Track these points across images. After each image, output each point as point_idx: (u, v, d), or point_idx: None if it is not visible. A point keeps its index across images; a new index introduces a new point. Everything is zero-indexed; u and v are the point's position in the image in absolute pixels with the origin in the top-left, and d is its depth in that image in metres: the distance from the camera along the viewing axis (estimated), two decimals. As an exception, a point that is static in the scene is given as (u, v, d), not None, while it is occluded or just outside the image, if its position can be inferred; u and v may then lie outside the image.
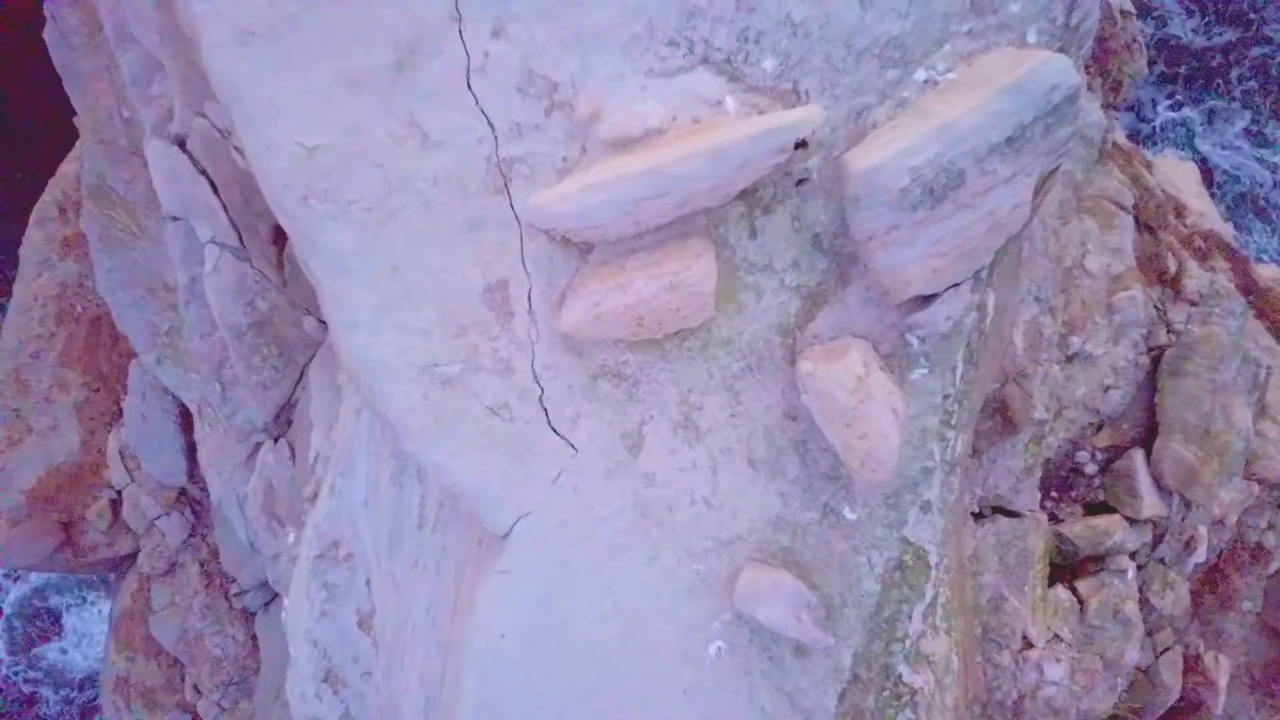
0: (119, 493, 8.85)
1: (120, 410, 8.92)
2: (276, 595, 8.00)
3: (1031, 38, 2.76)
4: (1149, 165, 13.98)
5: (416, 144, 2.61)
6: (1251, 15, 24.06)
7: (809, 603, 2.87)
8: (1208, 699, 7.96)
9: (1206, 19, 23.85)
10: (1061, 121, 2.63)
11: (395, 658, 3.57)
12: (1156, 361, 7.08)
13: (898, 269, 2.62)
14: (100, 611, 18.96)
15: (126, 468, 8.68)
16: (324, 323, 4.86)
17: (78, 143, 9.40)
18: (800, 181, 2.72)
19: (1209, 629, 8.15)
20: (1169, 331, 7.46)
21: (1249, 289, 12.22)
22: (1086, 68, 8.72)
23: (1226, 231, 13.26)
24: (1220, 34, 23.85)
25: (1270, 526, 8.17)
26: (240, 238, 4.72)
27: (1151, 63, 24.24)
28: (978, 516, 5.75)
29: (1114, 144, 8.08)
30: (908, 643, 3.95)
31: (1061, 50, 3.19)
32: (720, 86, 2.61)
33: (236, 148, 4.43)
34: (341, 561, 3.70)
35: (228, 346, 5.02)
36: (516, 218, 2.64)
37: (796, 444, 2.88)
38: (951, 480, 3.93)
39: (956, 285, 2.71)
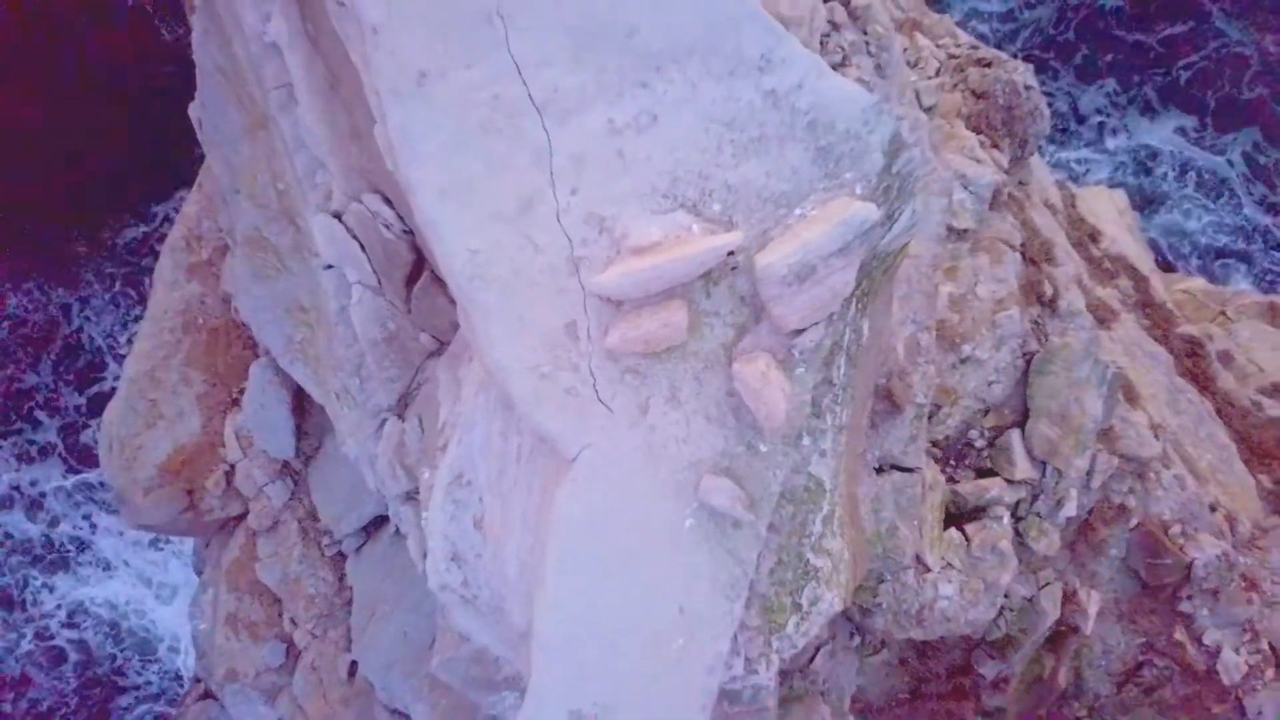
0: (232, 466, 11.19)
1: (233, 401, 11.27)
2: (368, 540, 10.36)
3: (858, 190, 5.07)
4: (1074, 197, 16.45)
5: (531, 250, 4.93)
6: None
7: (740, 496, 5.20)
8: (1080, 624, 10.32)
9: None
10: (870, 239, 4.96)
11: (500, 543, 5.90)
12: (1029, 363, 9.43)
13: (784, 315, 4.95)
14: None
15: (240, 446, 11.02)
16: (437, 339, 7.19)
17: (195, 185, 11.77)
18: (733, 268, 5.05)
19: (1083, 570, 10.50)
20: (1046, 338, 9.81)
21: (1146, 303, 14.66)
22: (996, 130, 11.08)
23: (1134, 253, 15.68)
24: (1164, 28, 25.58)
25: (1131, 491, 10.52)
26: (379, 281, 7.06)
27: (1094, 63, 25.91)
28: (880, 471, 8.04)
29: (1009, 194, 10.40)
30: (813, 539, 6.29)
31: (888, 188, 5.50)
32: (690, 219, 4.94)
33: (383, 224, 6.76)
34: (464, 486, 6.03)
35: (365, 353, 7.36)
36: (583, 289, 4.96)
37: (734, 409, 5.20)
38: (840, 438, 6.27)
39: (816, 323, 5.04)
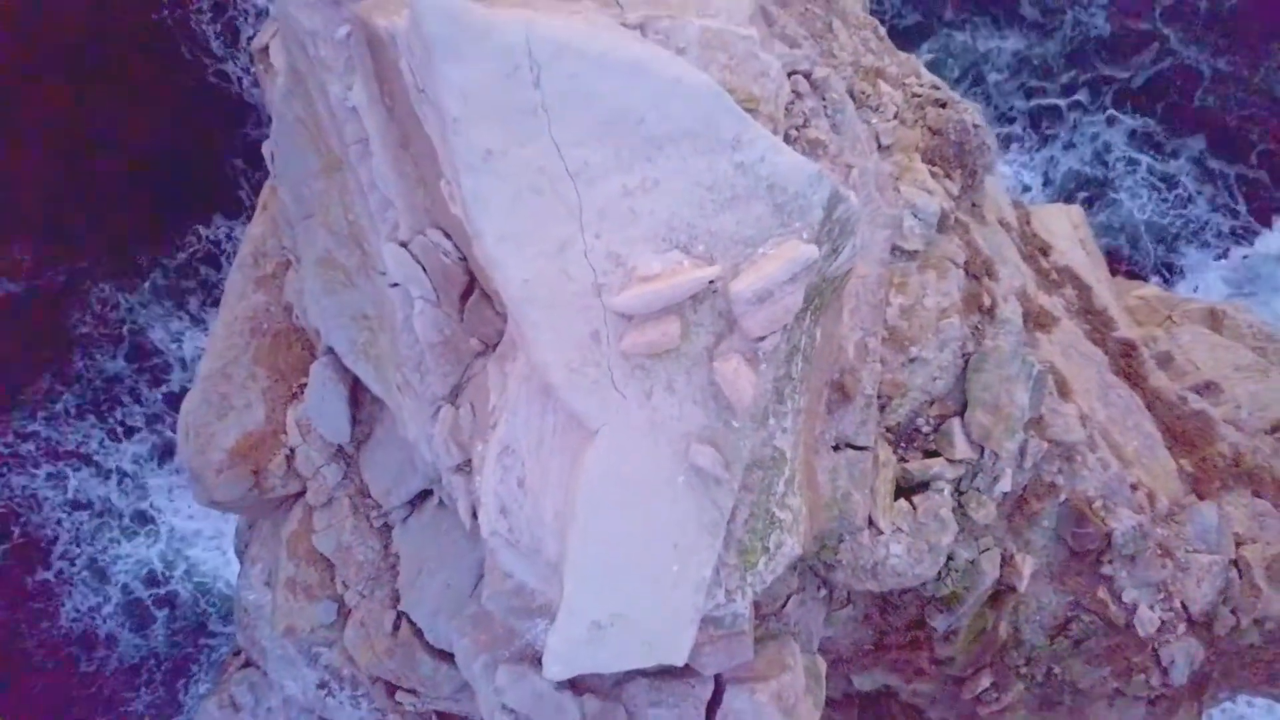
0: (293, 450, 13.00)
1: (293, 394, 13.10)
2: (413, 511, 12.19)
3: (804, 235, 6.88)
4: (1029, 214, 18.34)
5: (566, 278, 6.74)
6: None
7: (719, 459, 7.03)
8: (1017, 584, 12.08)
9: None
10: (813, 270, 6.79)
11: (538, 498, 7.72)
12: (967, 362, 11.23)
13: (750, 326, 6.78)
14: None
15: (300, 433, 12.84)
16: (483, 342, 9.02)
17: (259, 208, 13.60)
18: (714, 291, 6.88)
19: (1019, 538, 12.28)
20: (984, 340, 11.64)
21: (1088, 310, 16.55)
22: (949, 162, 12.88)
23: (1082, 265, 17.52)
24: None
25: (1060, 471, 12.28)
26: (438, 297, 8.88)
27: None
28: (836, 449, 9.84)
29: (956, 219, 12.22)
30: (777, 496, 8.13)
31: (829, 231, 7.32)
32: (682, 256, 6.75)
33: (443, 253, 8.59)
34: (510, 455, 7.84)
35: (424, 353, 9.19)
36: (604, 307, 6.78)
37: (714, 395, 7.02)
38: (799, 419, 8.11)
39: (775, 332, 6.88)
